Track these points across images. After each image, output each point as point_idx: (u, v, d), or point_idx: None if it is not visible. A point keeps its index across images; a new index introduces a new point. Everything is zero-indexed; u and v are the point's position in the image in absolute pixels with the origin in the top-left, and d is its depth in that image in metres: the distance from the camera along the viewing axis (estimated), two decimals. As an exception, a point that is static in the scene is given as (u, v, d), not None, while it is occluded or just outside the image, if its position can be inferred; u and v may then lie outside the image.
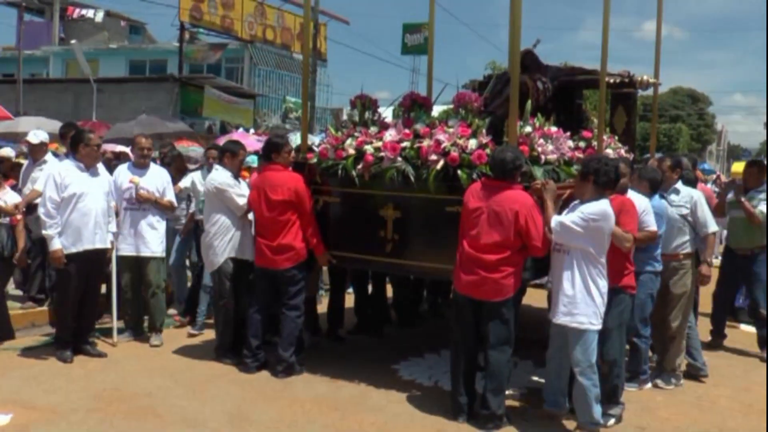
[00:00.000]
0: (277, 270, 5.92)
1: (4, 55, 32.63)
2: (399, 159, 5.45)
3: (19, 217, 6.73)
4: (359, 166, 5.59)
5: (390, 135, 5.60)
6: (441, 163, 5.27)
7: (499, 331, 4.94)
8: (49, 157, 7.48)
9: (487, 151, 5.24)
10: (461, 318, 5.10)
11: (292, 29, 27.02)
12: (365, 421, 5.09)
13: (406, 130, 5.60)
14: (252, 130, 19.11)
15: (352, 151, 5.68)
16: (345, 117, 6.52)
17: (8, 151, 9.22)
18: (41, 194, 6.25)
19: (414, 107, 5.93)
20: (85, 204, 6.12)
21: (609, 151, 7.08)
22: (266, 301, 6.10)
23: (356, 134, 5.82)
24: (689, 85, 52.55)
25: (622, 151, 7.39)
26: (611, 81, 7.85)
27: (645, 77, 8.13)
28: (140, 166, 6.90)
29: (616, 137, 7.88)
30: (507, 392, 5.23)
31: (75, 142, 6.27)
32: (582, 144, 6.77)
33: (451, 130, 5.42)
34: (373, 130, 5.81)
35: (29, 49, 28.84)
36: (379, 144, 5.57)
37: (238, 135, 14.54)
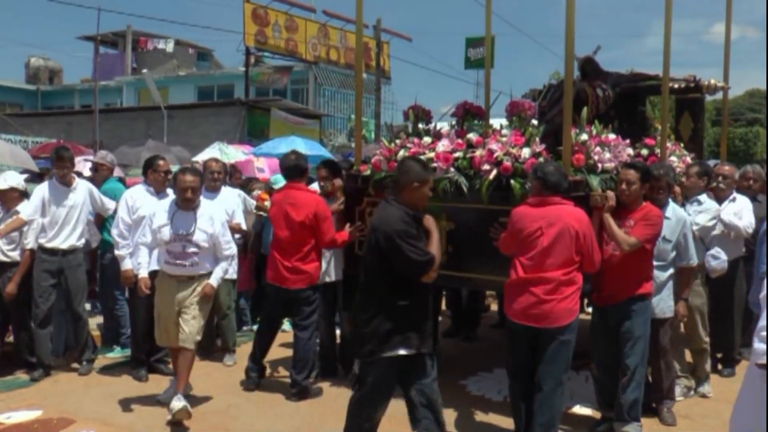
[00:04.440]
0: (289, 289, 5.85)
1: (82, 87, 34.07)
2: (452, 170, 5.38)
3: None
4: (411, 178, 5.52)
5: (443, 145, 5.53)
6: (494, 173, 5.17)
7: (558, 359, 4.59)
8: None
9: (541, 160, 5.13)
10: (518, 347, 4.77)
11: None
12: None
13: (459, 140, 5.54)
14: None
15: (405, 163, 5.61)
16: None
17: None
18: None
19: (467, 117, 5.86)
20: None
21: (673, 158, 6.86)
22: (275, 318, 6.18)
23: (409, 145, 5.77)
24: (767, 86, 50.13)
25: (688, 159, 7.15)
26: (676, 86, 7.62)
27: (712, 81, 7.85)
28: (211, 189, 6.86)
29: (682, 144, 7.62)
30: (585, 412, 5.15)
31: (146, 168, 6.47)
32: (644, 152, 6.58)
33: (504, 139, 5.33)
34: (426, 140, 5.76)
35: (104, 80, 30.01)
36: (432, 155, 5.50)
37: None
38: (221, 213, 5.79)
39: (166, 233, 5.39)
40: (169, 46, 28.76)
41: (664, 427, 5.25)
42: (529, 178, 4.85)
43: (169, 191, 6.48)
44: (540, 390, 4.63)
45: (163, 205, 5.59)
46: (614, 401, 5.08)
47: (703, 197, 6.04)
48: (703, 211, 5.92)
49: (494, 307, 8.68)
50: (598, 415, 5.35)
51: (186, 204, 5.45)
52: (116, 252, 6.24)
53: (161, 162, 6.46)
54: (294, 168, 6.08)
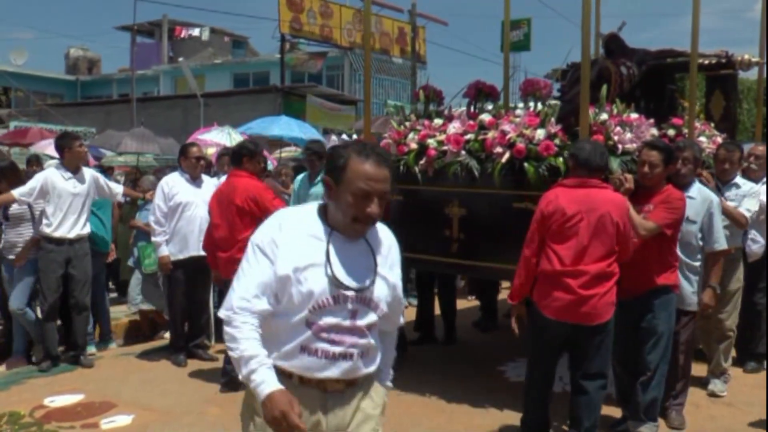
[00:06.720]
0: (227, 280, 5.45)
1: (120, 77, 34.47)
2: (462, 153, 5.17)
3: None
4: (421, 162, 5.36)
5: (454, 127, 5.33)
6: (506, 155, 4.95)
7: (600, 358, 4.26)
8: None
9: (557, 141, 4.89)
10: (549, 346, 4.36)
11: (391, 34, 27.05)
12: (472, 424, 4.96)
13: (471, 122, 5.33)
14: (355, 135, 19.21)
15: (414, 146, 5.44)
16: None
17: None
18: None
19: (479, 97, 5.65)
20: (190, 212, 6.34)
21: (702, 139, 6.56)
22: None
23: (419, 128, 5.58)
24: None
25: (719, 139, 6.83)
26: (706, 62, 7.28)
27: (746, 56, 7.45)
28: None
29: (713, 124, 7.29)
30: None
31: (179, 154, 6.59)
32: (671, 132, 6.30)
33: (517, 120, 5.11)
34: (437, 122, 5.56)
35: (141, 69, 30.29)
36: (442, 137, 5.32)
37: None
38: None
39: (323, 286, 2.37)
40: (205, 35, 28.88)
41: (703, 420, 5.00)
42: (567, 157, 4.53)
43: (205, 178, 6.63)
44: (584, 392, 4.29)
45: (286, 224, 2.46)
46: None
47: (739, 179, 5.75)
48: (747, 195, 5.60)
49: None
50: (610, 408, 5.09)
51: (362, 229, 2.45)
52: (153, 239, 6.40)
53: (193, 149, 6.55)
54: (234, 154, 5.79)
